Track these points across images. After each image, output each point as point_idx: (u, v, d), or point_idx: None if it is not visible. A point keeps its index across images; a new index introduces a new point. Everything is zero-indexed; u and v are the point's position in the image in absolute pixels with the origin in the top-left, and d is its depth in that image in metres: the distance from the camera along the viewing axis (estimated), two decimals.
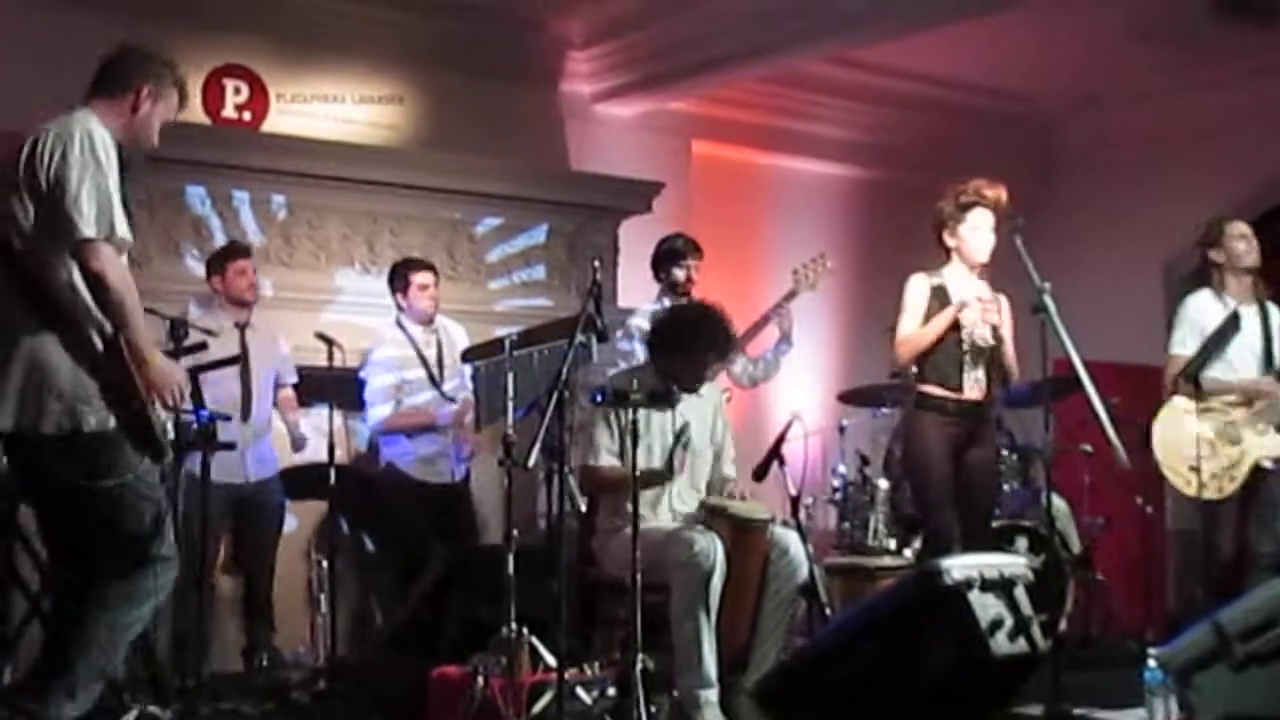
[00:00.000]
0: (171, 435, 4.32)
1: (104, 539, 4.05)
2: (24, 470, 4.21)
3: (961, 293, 5.84)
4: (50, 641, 4.19)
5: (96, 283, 3.94)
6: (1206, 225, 6.53)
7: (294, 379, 7.06)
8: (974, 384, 5.85)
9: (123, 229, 3.98)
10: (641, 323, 6.82)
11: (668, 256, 7.03)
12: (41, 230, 3.98)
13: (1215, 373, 6.30)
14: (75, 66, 7.00)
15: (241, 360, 6.51)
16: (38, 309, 3.97)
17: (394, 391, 6.98)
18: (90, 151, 3.97)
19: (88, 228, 3.91)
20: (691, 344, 5.71)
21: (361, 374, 7.00)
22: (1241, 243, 6.37)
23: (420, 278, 7.04)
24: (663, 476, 5.63)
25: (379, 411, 7.00)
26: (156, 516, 4.07)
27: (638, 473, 5.18)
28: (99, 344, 3.97)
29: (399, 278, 7.09)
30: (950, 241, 5.88)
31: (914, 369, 5.93)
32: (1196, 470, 6.09)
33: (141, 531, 4.03)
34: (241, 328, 6.71)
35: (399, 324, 7.09)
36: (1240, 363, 6.34)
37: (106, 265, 3.93)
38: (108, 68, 4.28)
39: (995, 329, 5.86)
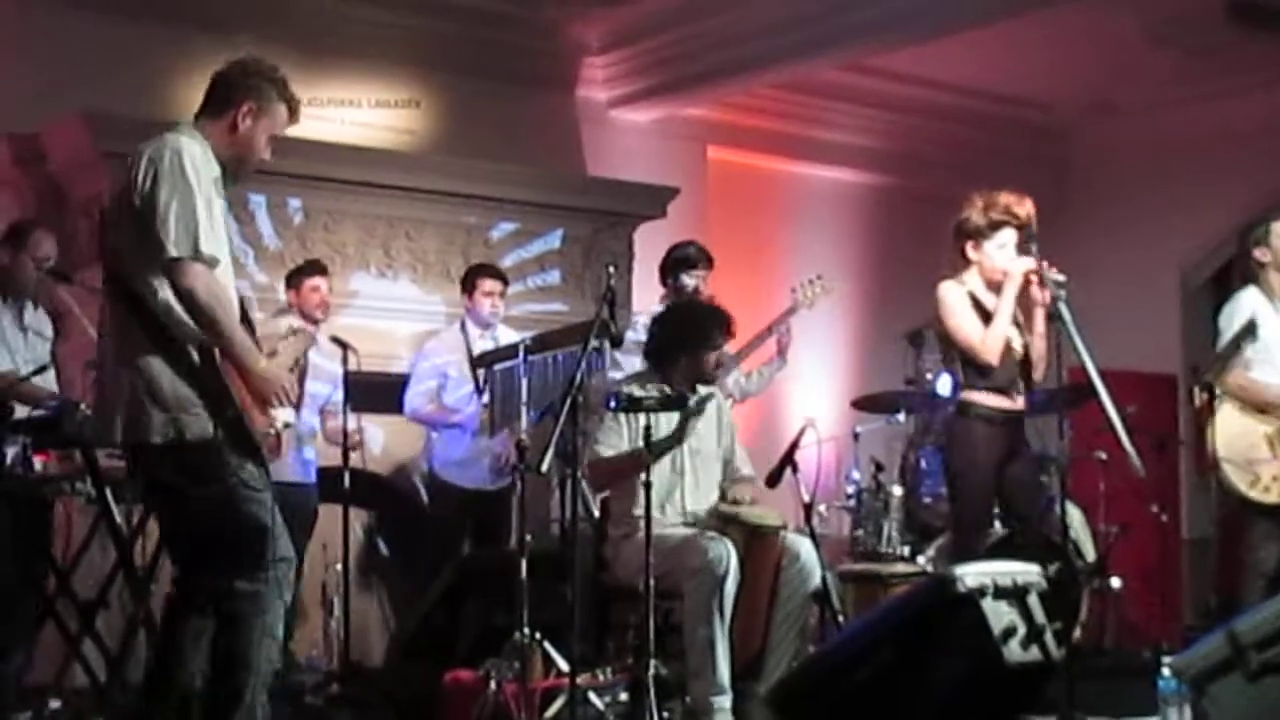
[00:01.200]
0: (288, 425, 4.40)
1: (219, 543, 4.12)
2: (145, 481, 4.32)
3: (987, 303, 5.80)
4: (160, 661, 4.23)
5: (188, 300, 4.01)
6: (1250, 225, 6.43)
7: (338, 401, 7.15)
8: (1020, 393, 5.85)
9: (209, 246, 4.03)
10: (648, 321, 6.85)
11: (679, 264, 7.02)
12: (138, 252, 4.06)
13: (1259, 375, 6.22)
14: (100, 71, 7.05)
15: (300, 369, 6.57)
16: (143, 328, 4.06)
17: (433, 391, 7.17)
18: (179, 172, 4.03)
19: (174, 247, 3.99)
20: (691, 335, 5.72)
21: (409, 367, 7.32)
22: None
23: (487, 284, 7.23)
24: (672, 442, 5.53)
25: (413, 399, 7.20)
26: (266, 517, 4.13)
27: (649, 491, 5.18)
28: (195, 357, 4.05)
29: (469, 281, 7.30)
30: (974, 255, 5.80)
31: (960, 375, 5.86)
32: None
33: (253, 533, 4.09)
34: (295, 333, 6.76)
35: (462, 325, 7.28)
36: None
37: (195, 282, 4.00)
38: (213, 85, 4.34)
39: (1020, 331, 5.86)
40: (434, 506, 7.40)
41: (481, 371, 6.76)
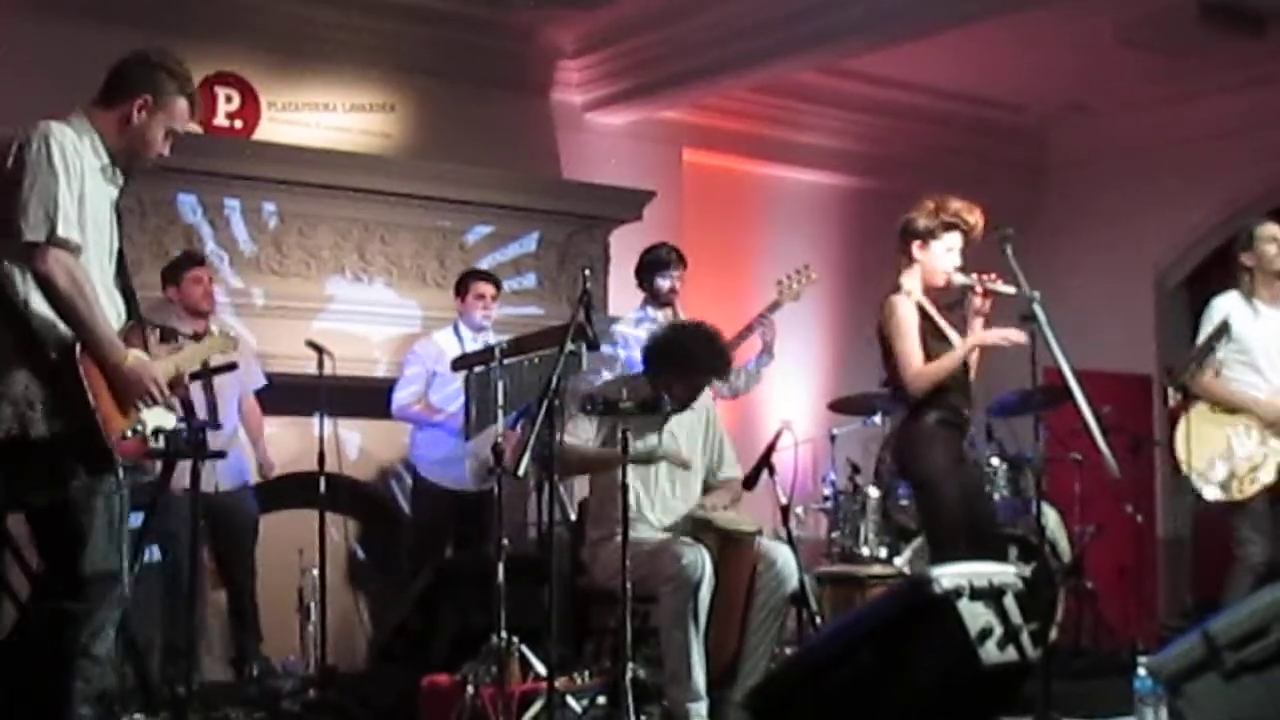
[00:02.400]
0: (160, 443, 4.26)
1: (52, 552, 4.03)
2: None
3: (935, 311, 5.77)
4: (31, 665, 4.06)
5: (44, 285, 3.90)
6: (1239, 231, 6.48)
7: (260, 383, 7.09)
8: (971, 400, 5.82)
9: (67, 231, 3.92)
10: (626, 329, 6.84)
11: (652, 266, 7.06)
12: (4, 241, 3.96)
13: (1239, 376, 6.25)
14: (68, 75, 6.99)
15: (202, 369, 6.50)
16: (5, 321, 3.95)
17: (422, 385, 7.24)
18: (45, 158, 3.94)
19: (31, 231, 3.89)
20: (691, 364, 5.70)
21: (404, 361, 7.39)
22: (1272, 246, 6.28)
23: (478, 287, 7.35)
24: (643, 459, 5.54)
25: (401, 397, 7.29)
26: (102, 531, 3.96)
27: (625, 452, 5.17)
28: (53, 353, 3.93)
29: (463, 284, 7.41)
30: (919, 255, 5.72)
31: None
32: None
33: (82, 546, 3.94)
34: (199, 337, 6.68)
35: (455, 327, 7.37)
36: (1266, 368, 6.28)
37: (53, 266, 3.89)
38: (111, 75, 4.25)
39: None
40: (417, 507, 7.39)
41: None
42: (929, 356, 5.62)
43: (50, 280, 3.90)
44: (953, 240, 5.71)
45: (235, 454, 6.82)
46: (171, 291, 6.77)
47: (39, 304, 3.93)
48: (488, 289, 7.35)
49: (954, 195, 5.79)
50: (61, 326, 3.93)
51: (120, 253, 4.23)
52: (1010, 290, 5.45)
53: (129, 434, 4.05)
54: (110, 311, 4.05)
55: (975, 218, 5.72)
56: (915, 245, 5.73)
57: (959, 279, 5.68)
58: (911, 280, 5.75)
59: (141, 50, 4.28)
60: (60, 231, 3.91)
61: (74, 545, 3.94)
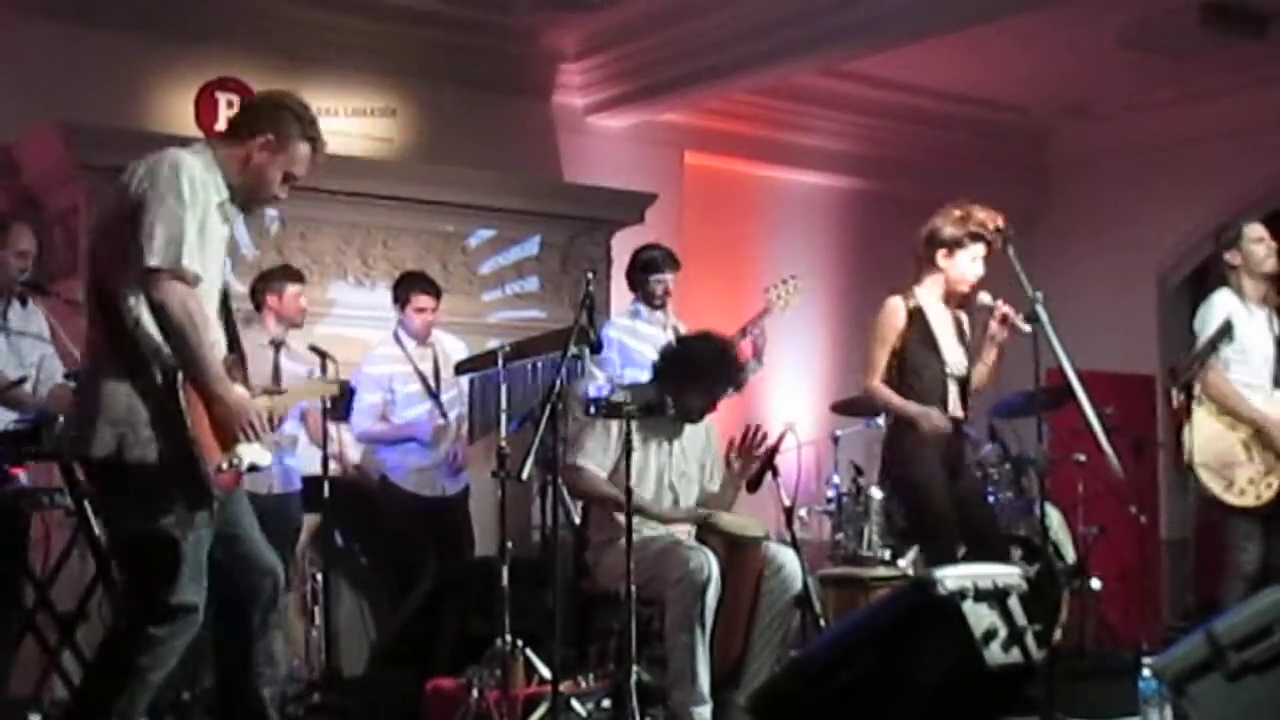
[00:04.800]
0: (255, 468, 4.23)
1: (137, 576, 4.07)
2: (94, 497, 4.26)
3: (938, 319, 5.75)
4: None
5: (159, 312, 3.91)
6: (1223, 227, 6.44)
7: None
8: (955, 404, 5.76)
9: (191, 262, 3.93)
10: (612, 333, 6.84)
11: (644, 267, 7.07)
12: (121, 261, 3.97)
13: (1238, 376, 6.23)
14: (67, 75, 7.01)
15: (274, 376, 6.52)
16: (112, 341, 3.97)
17: (379, 407, 7.06)
18: (173, 185, 3.95)
19: (154, 257, 3.89)
20: (708, 378, 5.71)
21: (352, 383, 7.00)
22: (1260, 246, 6.26)
23: (419, 300, 7.12)
24: (648, 514, 5.56)
25: (360, 422, 7.10)
26: (192, 563, 3.97)
27: (630, 498, 5.17)
28: (158, 377, 3.93)
29: (400, 293, 7.19)
30: (944, 263, 5.70)
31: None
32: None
33: (171, 577, 3.94)
34: (278, 346, 6.70)
35: (396, 336, 7.17)
36: (1259, 369, 6.27)
37: (168, 295, 3.89)
38: (239, 111, 4.30)
39: (965, 344, 5.81)
40: (390, 515, 7.24)
41: (463, 379, 6.76)
42: (908, 363, 5.65)
43: (165, 308, 3.90)
44: (978, 250, 5.70)
45: (290, 457, 6.80)
46: (272, 300, 6.78)
47: (149, 326, 3.94)
48: (427, 301, 7.12)
49: (977, 202, 5.78)
50: (167, 351, 3.93)
51: (225, 288, 4.26)
52: (1026, 329, 5.45)
53: (224, 466, 4.03)
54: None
55: (998, 227, 5.70)
56: (940, 253, 5.70)
57: (983, 299, 5.69)
58: (929, 286, 5.74)
59: (272, 91, 4.34)
60: (184, 262, 3.92)
61: (164, 575, 3.94)
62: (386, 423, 7.10)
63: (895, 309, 5.69)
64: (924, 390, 5.64)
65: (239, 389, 4.08)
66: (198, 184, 4.01)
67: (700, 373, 5.71)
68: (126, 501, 3.99)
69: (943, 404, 5.67)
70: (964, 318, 5.88)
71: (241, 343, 4.29)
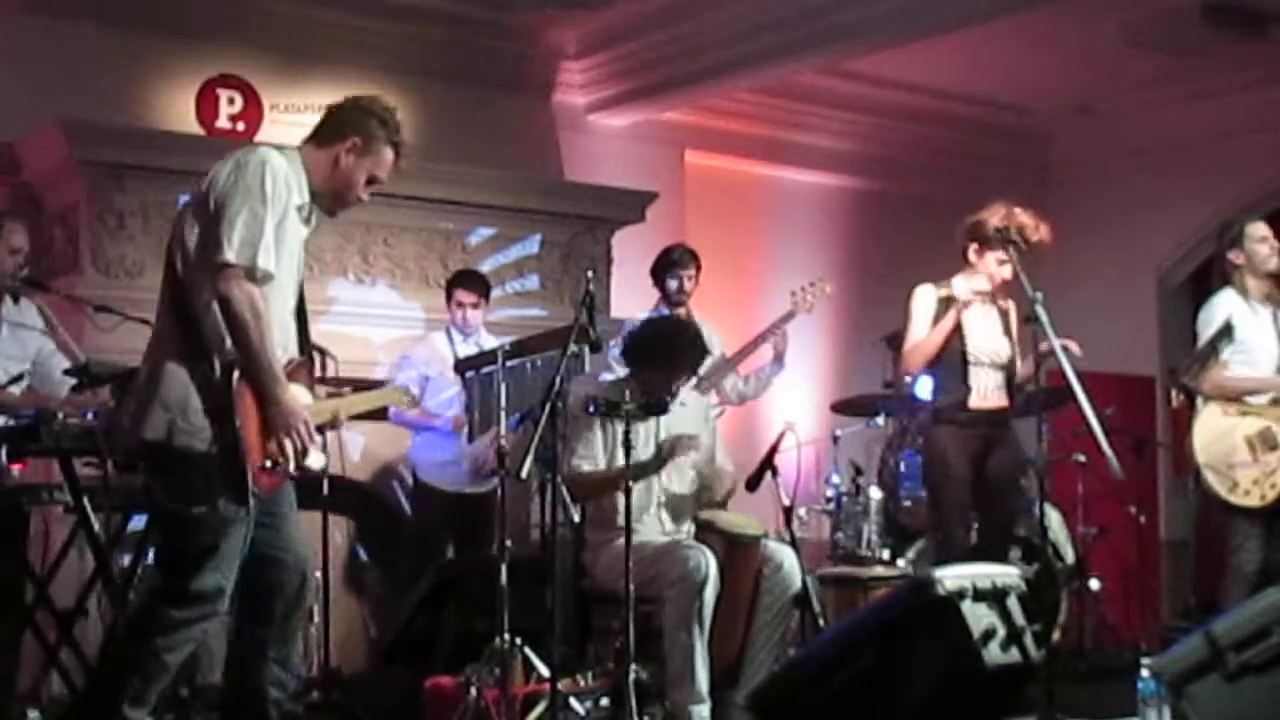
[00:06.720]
0: (317, 465, 4.24)
1: (170, 558, 4.12)
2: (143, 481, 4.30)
3: (971, 310, 5.86)
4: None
5: (223, 306, 3.94)
6: (1225, 226, 6.44)
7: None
8: (985, 392, 5.88)
9: (265, 261, 3.97)
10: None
11: (664, 266, 7.15)
12: (200, 249, 4.02)
13: (1240, 369, 6.23)
14: (67, 75, 7.00)
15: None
16: (176, 328, 4.02)
17: (415, 388, 7.11)
18: (259, 182, 4.01)
19: (229, 252, 3.93)
20: (662, 357, 5.72)
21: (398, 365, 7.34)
22: (1264, 245, 6.25)
23: (458, 295, 7.31)
24: (652, 468, 5.60)
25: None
26: (226, 556, 4.01)
27: (630, 497, 5.18)
28: (216, 369, 3.97)
29: (448, 288, 7.39)
30: (974, 259, 5.98)
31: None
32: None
33: (199, 566, 3.99)
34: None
35: (448, 330, 7.36)
36: (1264, 367, 6.26)
37: (233, 290, 3.92)
38: (325, 116, 4.37)
39: (1010, 335, 5.94)
40: (419, 510, 7.40)
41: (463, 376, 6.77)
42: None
43: (231, 302, 3.93)
44: (1010, 254, 5.78)
45: None
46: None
47: (217, 314, 3.97)
48: (467, 297, 7.27)
49: (1026, 208, 5.91)
50: (229, 343, 3.97)
51: (301, 289, 4.29)
52: (1044, 348, 5.54)
53: (269, 464, 4.04)
54: (279, 344, 4.08)
55: (1039, 235, 5.81)
56: (973, 248, 5.87)
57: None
58: (967, 278, 5.90)
59: (358, 96, 4.44)
60: (259, 260, 3.96)
61: (190, 561, 4.00)
62: (420, 409, 7.17)
63: (925, 293, 5.96)
64: (943, 372, 5.91)
65: (298, 390, 4.12)
66: (280, 184, 4.06)
67: (657, 354, 5.73)
68: (169, 484, 4.03)
69: (964, 384, 5.85)
70: (1011, 309, 5.99)
71: (309, 346, 4.33)
